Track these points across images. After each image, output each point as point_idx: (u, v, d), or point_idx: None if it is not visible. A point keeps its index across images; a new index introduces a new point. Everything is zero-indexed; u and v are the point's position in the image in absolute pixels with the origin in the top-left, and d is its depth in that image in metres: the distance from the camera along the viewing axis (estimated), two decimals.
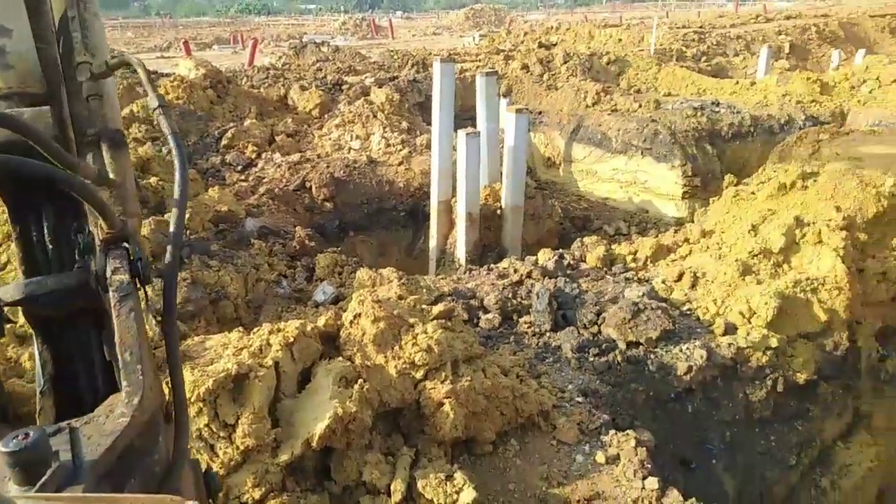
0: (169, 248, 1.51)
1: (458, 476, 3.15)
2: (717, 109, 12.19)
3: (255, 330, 3.58)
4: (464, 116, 11.49)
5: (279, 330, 3.45)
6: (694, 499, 3.31)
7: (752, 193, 6.51)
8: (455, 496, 3.07)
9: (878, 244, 5.66)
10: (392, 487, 3.08)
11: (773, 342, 4.74)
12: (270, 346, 3.34)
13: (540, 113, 14.11)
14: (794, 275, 5.15)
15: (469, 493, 3.06)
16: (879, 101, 12.85)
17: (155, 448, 1.26)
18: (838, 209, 5.54)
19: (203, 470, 1.65)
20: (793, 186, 5.98)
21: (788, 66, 18.28)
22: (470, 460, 3.57)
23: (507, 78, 15.85)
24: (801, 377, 4.81)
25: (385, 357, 3.49)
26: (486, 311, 5.04)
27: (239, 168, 9.24)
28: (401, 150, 9.73)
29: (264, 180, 8.67)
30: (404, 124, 10.59)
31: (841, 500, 5.04)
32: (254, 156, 9.57)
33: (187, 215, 5.62)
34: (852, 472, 5.12)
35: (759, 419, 4.72)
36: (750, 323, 4.88)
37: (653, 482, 3.37)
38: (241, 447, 2.91)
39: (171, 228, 1.53)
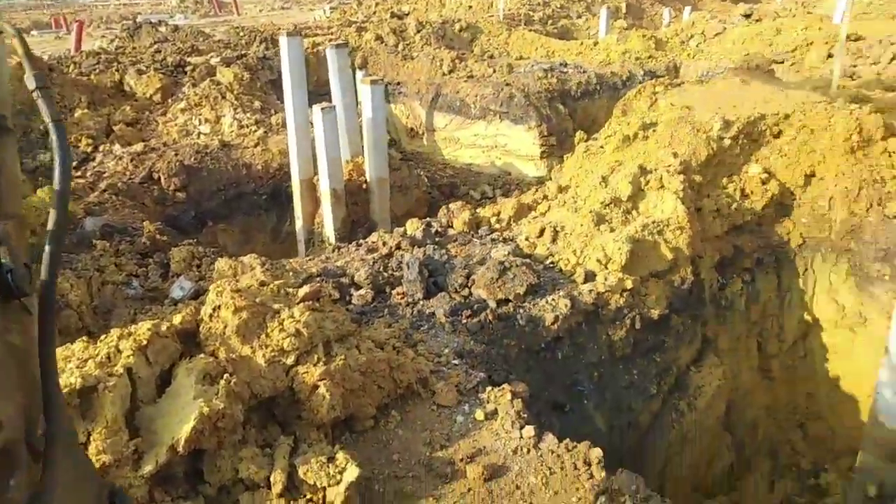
0: (45, 256, 1.31)
1: (340, 456, 3.11)
2: (565, 70, 12.73)
3: (101, 337, 3.29)
4: (321, 92, 11.15)
5: (129, 334, 3.19)
6: (568, 439, 3.49)
7: (601, 147, 6.90)
8: (338, 476, 3.03)
9: (711, 184, 6.22)
10: (272, 479, 2.98)
11: (628, 284, 5.08)
12: (121, 352, 3.08)
13: (398, 84, 14.04)
14: (641, 220, 5.53)
15: (352, 472, 3.03)
16: (705, 53, 14.01)
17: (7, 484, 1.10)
18: (675, 155, 6.00)
19: (111, 490, 1.48)
20: (635, 137, 6.39)
21: (626, 25, 19.42)
22: (352, 438, 3.54)
23: (361, 50, 15.56)
24: (655, 313, 5.21)
25: (251, 347, 3.35)
26: (358, 288, 4.98)
27: (73, 164, 8.40)
28: (255, 130, 9.30)
29: (104, 175, 7.96)
30: (257, 104, 10.12)
31: (696, 418, 5.57)
32: (89, 149, 8.74)
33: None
34: (704, 392, 5.66)
35: (621, 357, 5.07)
36: (607, 269, 5.19)
37: (529, 430, 3.52)
38: (97, 465, 2.68)
39: (49, 231, 1.31)
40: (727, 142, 6.20)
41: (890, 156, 6.00)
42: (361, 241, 5.90)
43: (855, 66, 9.22)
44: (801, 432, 7.05)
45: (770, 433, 6.96)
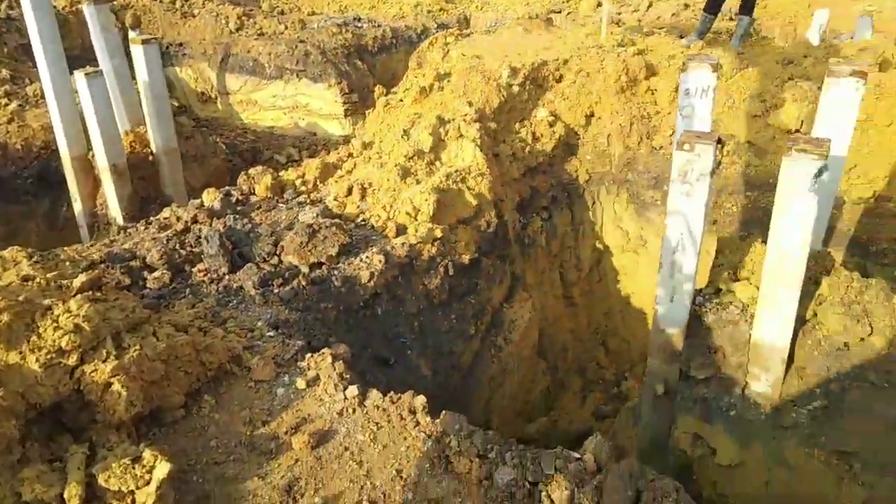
0: None
1: (147, 454, 2.84)
2: (360, 25, 12.50)
3: None
4: (90, 57, 9.84)
5: None
6: (392, 392, 3.52)
7: (401, 101, 6.90)
8: (147, 476, 2.77)
9: (505, 130, 6.52)
10: (66, 495, 2.64)
11: (438, 233, 5.20)
12: None
13: (181, 45, 12.83)
14: (445, 169, 5.66)
15: (163, 468, 2.79)
16: (492, 5, 14.55)
17: None
18: (470, 104, 6.18)
19: None
20: (431, 89, 6.47)
21: None
22: (161, 432, 3.25)
23: (132, 8, 13.93)
24: (466, 258, 5.41)
25: (20, 353, 2.89)
26: (152, 270, 4.54)
27: None
28: (7, 104, 7.98)
29: None
30: (5, 72, 8.66)
31: (513, 350, 5.95)
32: None
33: None
34: (517, 326, 6.06)
35: (438, 304, 5.21)
36: (416, 220, 5.26)
37: (353, 390, 3.49)
38: None
39: None
40: (515, 88, 6.51)
41: (653, 94, 6.72)
42: (152, 219, 5.37)
43: (620, 14, 10.14)
44: (603, 349, 7.88)
45: (578, 353, 7.69)
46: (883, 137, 5.56)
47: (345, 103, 10.84)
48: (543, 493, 2.93)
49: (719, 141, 3.47)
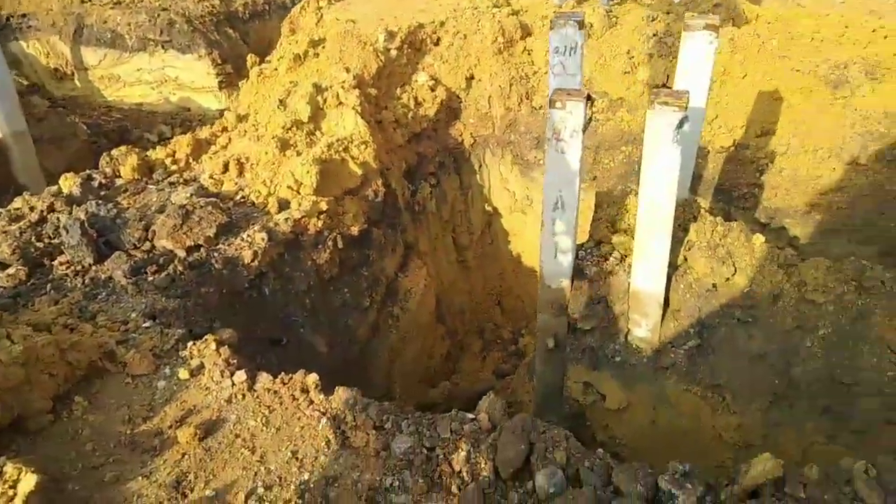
0: None
1: (10, 468, 2.61)
2: None
3: None
4: None
5: None
6: (283, 372, 3.42)
7: (275, 70, 6.59)
8: (11, 492, 2.54)
9: (386, 96, 6.40)
10: None
11: (324, 206, 5.05)
12: None
13: (24, 16, 11.58)
14: (326, 139, 5.49)
15: (30, 480, 2.57)
16: None
17: None
18: (348, 70, 6.00)
19: None
20: (306, 56, 6.22)
21: None
22: (27, 442, 2.99)
23: None
24: (355, 229, 5.32)
25: None
26: (4, 266, 4.12)
27: None
28: None
29: None
30: None
31: (411, 318, 5.97)
32: None
33: None
34: (414, 294, 6.06)
35: (330, 279, 5.10)
36: (299, 194, 5.09)
37: (241, 375, 3.36)
38: None
39: None
40: (393, 52, 6.39)
41: (529, 54, 6.81)
42: (0, 210, 4.86)
43: None
44: (499, 308, 8.07)
45: (476, 315, 7.84)
46: (739, 89, 5.96)
47: (218, 75, 10.24)
48: (441, 457, 2.96)
49: (589, 98, 3.56)
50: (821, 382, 3.80)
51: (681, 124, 3.32)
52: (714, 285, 4.07)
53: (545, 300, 4.49)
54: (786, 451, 3.89)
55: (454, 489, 2.82)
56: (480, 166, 7.12)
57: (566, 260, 4.22)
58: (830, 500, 2.63)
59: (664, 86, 6.10)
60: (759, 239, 4.01)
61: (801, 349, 3.85)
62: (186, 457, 3.00)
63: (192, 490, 2.85)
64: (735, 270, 4.01)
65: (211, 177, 5.31)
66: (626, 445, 4.53)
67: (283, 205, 5.04)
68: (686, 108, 3.27)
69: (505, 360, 7.49)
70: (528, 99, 6.73)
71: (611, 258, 4.37)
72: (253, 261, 4.50)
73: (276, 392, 3.32)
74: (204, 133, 6.01)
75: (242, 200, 5.12)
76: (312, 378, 3.38)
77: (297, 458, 2.99)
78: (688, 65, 4.13)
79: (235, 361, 3.50)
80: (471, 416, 3.22)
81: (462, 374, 7.26)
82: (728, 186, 6.08)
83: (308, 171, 5.08)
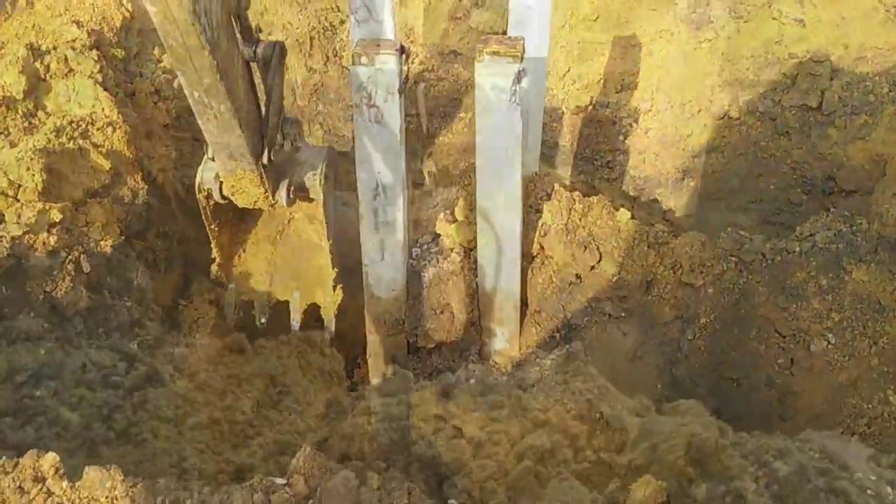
0: None
1: None
2: None
3: None
4: None
5: None
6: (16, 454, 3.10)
7: None
8: None
9: (140, 58, 6.06)
10: None
11: (56, 215, 4.68)
12: None
13: None
14: (53, 122, 5.11)
15: None
16: None
17: None
18: (79, 24, 5.60)
19: None
20: (14, 6, 5.74)
21: None
22: None
23: None
24: (107, 244, 4.97)
25: None
26: None
27: None
28: None
29: None
30: None
31: (201, 359, 5.70)
32: None
33: None
34: (204, 325, 5.81)
35: (76, 314, 4.73)
36: (18, 201, 4.68)
37: None
38: None
39: None
40: None
41: None
42: None
43: None
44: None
45: None
46: (591, 34, 6.34)
47: None
48: None
49: (403, 50, 3.57)
50: (706, 379, 4.13)
51: (518, 79, 3.44)
52: (578, 276, 4.28)
53: (375, 316, 4.47)
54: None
55: None
56: None
57: (397, 261, 4.23)
58: None
59: (503, 33, 6.33)
60: (624, 215, 4.28)
61: (683, 343, 4.17)
62: None
63: None
64: (600, 256, 4.25)
65: None
66: (492, 491, 4.64)
67: None
68: (521, 57, 3.39)
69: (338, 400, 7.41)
70: (336, 57, 6.70)
71: (452, 254, 4.45)
72: None
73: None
74: None
75: None
76: (50, 459, 3.09)
77: None
78: (520, 6, 4.28)
79: None
80: (281, 480, 3.11)
81: (283, 426, 7.07)
82: (589, 154, 6.46)
83: (29, 168, 4.69)
